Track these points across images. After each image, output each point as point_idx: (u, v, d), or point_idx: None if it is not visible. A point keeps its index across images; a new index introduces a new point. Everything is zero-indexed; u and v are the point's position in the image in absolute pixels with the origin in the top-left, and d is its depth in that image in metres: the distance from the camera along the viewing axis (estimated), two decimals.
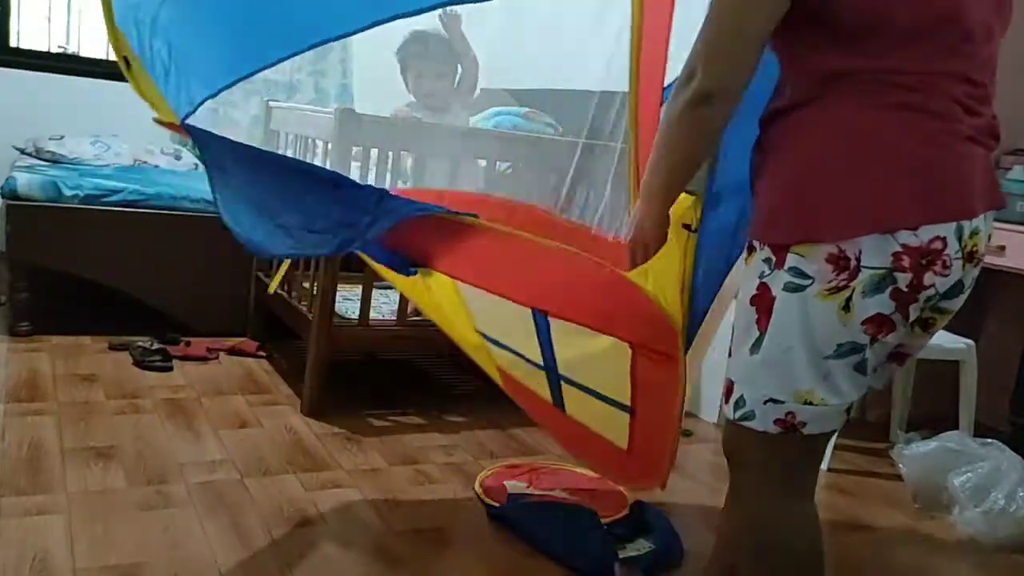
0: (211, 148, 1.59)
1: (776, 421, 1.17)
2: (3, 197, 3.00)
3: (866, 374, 1.16)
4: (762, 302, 1.15)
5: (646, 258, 1.37)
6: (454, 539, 1.95)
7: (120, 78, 1.68)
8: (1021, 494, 2.24)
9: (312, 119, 2.80)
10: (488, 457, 2.42)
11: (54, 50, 4.21)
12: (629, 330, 1.74)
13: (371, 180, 2.63)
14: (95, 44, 4.32)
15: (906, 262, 1.08)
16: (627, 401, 1.83)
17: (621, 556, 1.87)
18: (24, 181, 2.98)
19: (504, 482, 2.23)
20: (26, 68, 3.99)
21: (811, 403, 1.15)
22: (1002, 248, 2.62)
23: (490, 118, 3.05)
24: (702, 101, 1.14)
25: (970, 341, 2.72)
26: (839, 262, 1.09)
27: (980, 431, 2.65)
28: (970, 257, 1.14)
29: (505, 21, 4.56)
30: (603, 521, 1.98)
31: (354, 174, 2.59)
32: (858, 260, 1.08)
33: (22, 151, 3.59)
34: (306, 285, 2.77)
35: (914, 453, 2.46)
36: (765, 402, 1.16)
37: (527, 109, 3.09)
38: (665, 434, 1.81)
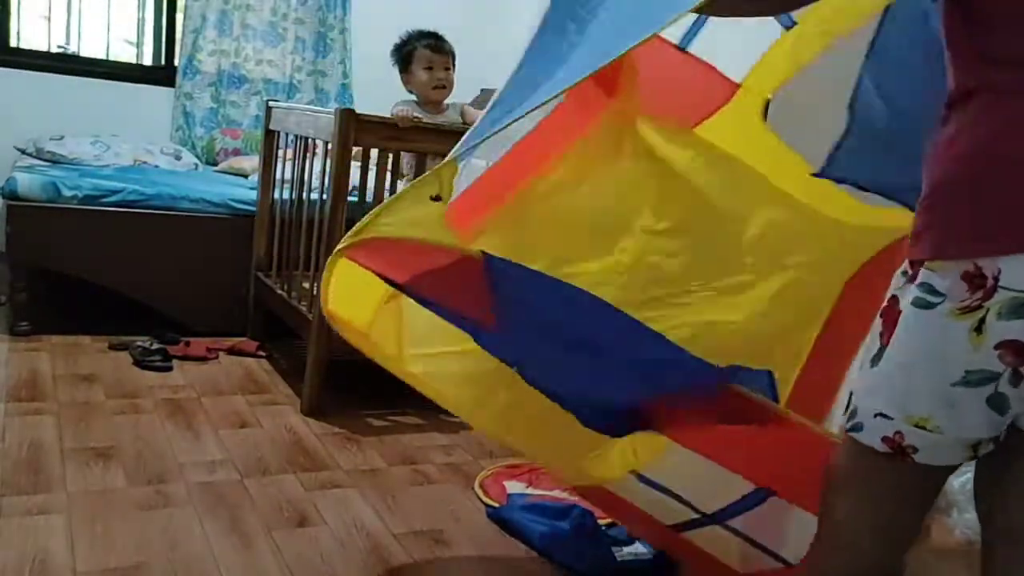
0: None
1: (884, 439, 1.08)
2: (3, 197, 3.01)
3: (1003, 414, 1.02)
4: (889, 315, 1.08)
5: None
6: (453, 539, 1.95)
7: (121, 78, 1.67)
8: None
9: (312, 119, 2.80)
10: (488, 457, 2.43)
11: (54, 50, 4.22)
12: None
13: (371, 180, 2.64)
14: (95, 44, 4.33)
15: None
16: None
17: (619, 559, 1.87)
18: (24, 181, 2.98)
19: (504, 482, 2.23)
20: (26, 68, 3.99)
21: (924, 428, 1.05)
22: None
23: None
24: None
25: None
26: (974, 280, 0.99)
27: None
28: None
29: (507, 21, 4.57)
30: (601, 523, 1.98)
31: (354, 174, 2.60)
32: (996, 279, 0.98)
33: (22, 151, 3.59)
34: (306, 285, 2.77)
35: None
36: (875, 415, 1.08)
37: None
38: None
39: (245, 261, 3.18)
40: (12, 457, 2.08)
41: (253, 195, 3.25)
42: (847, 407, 1.14)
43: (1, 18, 3.99)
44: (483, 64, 3.18)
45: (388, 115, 2.73)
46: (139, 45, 4.50)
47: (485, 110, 1.43)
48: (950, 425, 1.04)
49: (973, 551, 2.19)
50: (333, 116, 2.51)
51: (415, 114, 2.69)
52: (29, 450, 2.13)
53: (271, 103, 3.23)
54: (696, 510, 1.62)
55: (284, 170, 3.06)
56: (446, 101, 3.02)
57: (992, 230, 0.99)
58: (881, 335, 1.09)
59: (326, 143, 2.60)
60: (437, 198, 1.47)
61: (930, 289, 1.03)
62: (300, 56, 4.56)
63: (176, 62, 4.35)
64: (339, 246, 1.55)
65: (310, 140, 2.85)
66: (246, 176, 3.76)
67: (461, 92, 3.18)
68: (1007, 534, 1.15)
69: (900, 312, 1.06)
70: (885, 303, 1.10)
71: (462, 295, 1.55)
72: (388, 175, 2.63)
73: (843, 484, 1.16)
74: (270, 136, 3.20)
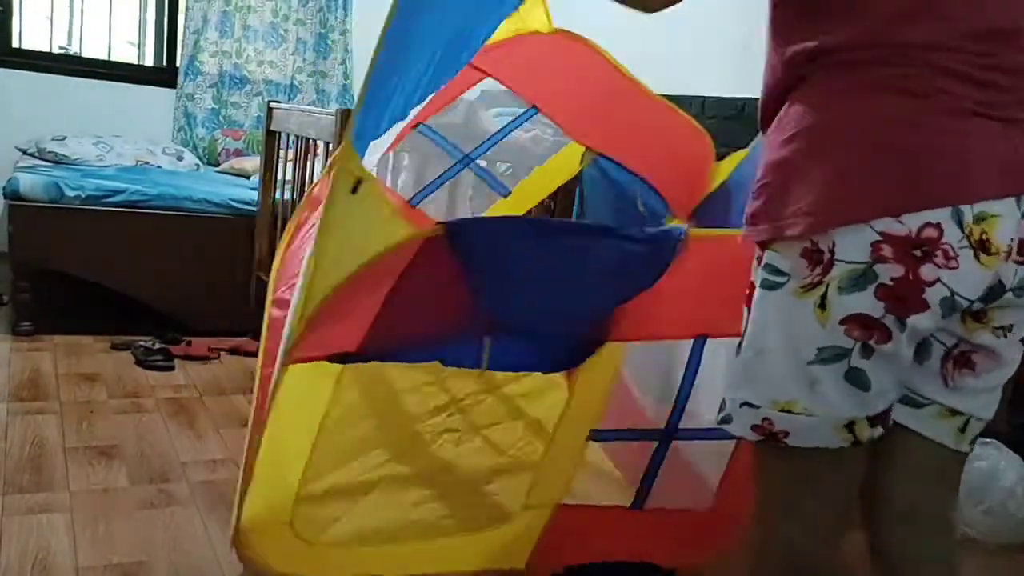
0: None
1: (753, 427, 1.07)
2: (5, 197, 3.01)
3: (867, 389, 1.02)
4: (749, 301, 1.09)
5: None
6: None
7: (122, 79, 1.67)
8: (1020, 494, 2.25)
9: (313, 120, 2.81)
10: None
11: (56, 50, 4.23)
12: None
13: None
14: (97, 45, 4.34)
15: (888, 252, 0.96)
16: None
17: None
18: (26, 181, 2.99)
19: None
20: (28, 68, 4.00)
21: (791, 411, 1.03)
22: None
23: (491, 119, 3.06)
24: None
25: None
26: (813, 256, 1.00)
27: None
28: (982, 247, 0.97)
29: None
30: None
31: None
32: (832, 253, 0.98)
33: (24, 151, 3.60)
34: None
35: None
36: (741, 405, 1.07)
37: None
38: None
39: (247, 261, 3.19)
40: (15, 456, 2.09)
41: (254, 196, 3.26)
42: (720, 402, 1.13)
43: (3, 18, 4.00)
44: None
45: None
46: (141, 46, 4.51)
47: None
48: (816, 406, 1.02)
49: (973, 551, 2.20)
50: (334, 117, 2.52)
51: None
52: (32, 449, 2.14)
53: (272, 104, 3.24)
54: (651, 431, 1.73)
55: (285, 171, 3.07)
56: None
57: (819, 205, 0.99)
58: (744, 324, 1.09)
59: (327, 144, 2.61)
60: (357, 184, 1.29)
61: (774, 270, 1.03)
62: (301, 57, 4.57)
63: (178, 63, 4.36)
64: (282, 361, 1.37)
65: (311, 141, 2.85)
66: (247, 177, 3.77)
67: None
68: (905, 516, 1.16)
69: (754, 296, 1.06)
70: (747, 291, 1.09)
71: (434, 291, 1.46)
72: (388, 175, 2.64)
73: (757, 481, 1.14)
74: (271, 137, 3.21)
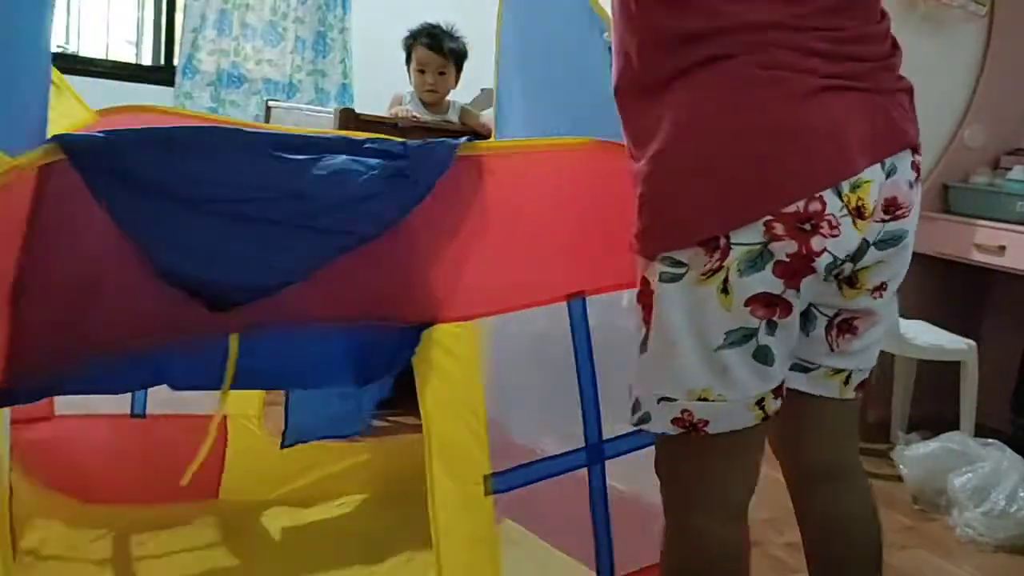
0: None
1: (674, 420, 1.07)
2: None
3: (771, 364, 1.05)
4: (644, 298, 1.09)
5: None
6: None
7: (120, 78, 1.65)
8: (1022, 495, 2.24)
9: (312, 119, 2.80)
10: None
11: (53, 49, 4.21)
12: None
13: None
14: (94, 43, 4.33)
15: (780, 230, 0.99)
16: None
17: None
18: None
19: None
20: None
21: (707, 399, 1.05)
22: (1002, 248, 2.63)
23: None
24: None
25: (971, 341, 2.72)
26: (709, 243, 1.01)
27: (981, 432, 2.65)
28: (858, 212, 1.01)
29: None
30: None
31: None
32: (727, 238, 1.00)
33: None
34: None
35: (914, 454, 2.46)
36: (659, 401, 1.08)
37: None
38: None
39: None
40: None
41: None
42: (631, 405, 1.12)
43: None
44: (483, 65, 3.17)
45: (391, 112, 2.73)
46: (138, 44, 4.50)
47: None
48: (729, 391, 1.05)
49: (975, 549, 2.20)
50: (333, 115, 2.51)
51: (414, 111, 2.69)
52: None
53: (271, 103, 3.24)
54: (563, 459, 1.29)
55: None
56: (448, 99, 3.01)
57: (713, 213, 1.01)
58: (644, 320, 1.09)
59: None
60: None
61: (673, 262, 1.04)
62: (300, 56, 4.56)
63: (175, 61, 4.34)
64: None
65: None
66: None
67: (461, 92, 3.17)
68: (824, 475, 1.24)
69: (653, 292, 1.06)
70: (639, 287, 1.10)
71: (93, 255, 0.96)
72: None
73: (667, 478, 1.15)
74: None
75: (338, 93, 4.62)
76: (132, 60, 4.48)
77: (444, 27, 2.93)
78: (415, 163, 1.07)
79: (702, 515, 1.12)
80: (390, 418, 2.66)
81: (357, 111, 2.55)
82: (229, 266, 0.99)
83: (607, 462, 1.26)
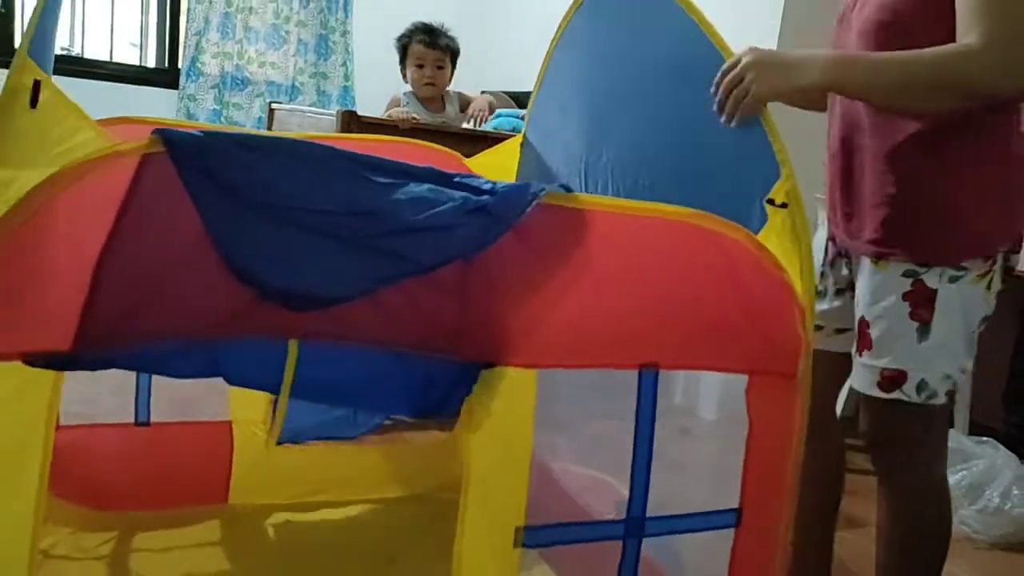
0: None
1: (947, 393, 1.37)
2: None
3: None
4: (917, 296, 1.33)
5: (753, 102, 1.25)
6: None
7: (124, 80, 1.66)
8: (1016, 492, 2.26)
9: (314, 121, 2.83)
10: None
11: (58, 52, 4.24)
12: (748, 347, 1.18)
13: None
14: (99, 46, 4.36)
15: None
16: (734, 501, 1.21)
17: None
18: None
19: None
20: None
21: (964, 371, 1.37)
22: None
23: (490, 120, 3.08)
24: (999, 89, 1.24)
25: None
26: (988, 255, 1.34)
27: (975, 430, 2.67)
28: None
29: (507, 23, 4.61)
30: None
31: None
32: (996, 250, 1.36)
33: None
34: None
35: None
36: (944, 377, 1.35)
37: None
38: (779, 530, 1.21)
39: None
40: None
41: None
42: (895, 383, 1.36)
43: (5, 20, 4.02)
44: (483, 66, 3.21)
45: (388, 114, 2.75)
46: (143, 47, 4.53)
47: None
48: (970, 363, 1.41)
49: (969, 547, 2.21)
50: (335, 117, 2.54)
51: (413, 113, 2.71)
52: None
53: (274, 105, 3.26)
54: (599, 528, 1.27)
55: None
56: (448, 88, 3.05)
57: (1005, 234, 1.35)
58: (912, 315, 1.33)
59: None
60: (36, 92, 1.07)
61: (960, 267, 1.33)
62: (302, 58, 4.59)
63: (179, 64, 4.38)
64: None
65: None
66: None
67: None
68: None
69: (935, 291, 1.32)
70: (909, 287, 1.33)
71: (179, 242, 1.00)
72: None
73: (918, 439, 1.41)
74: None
75: (340, 95, 4.65)
76: (136, 63, 4.51)
77: (436, 25, 2.98)
78: (500, 200, 1.07)
79: (942, 467, 1.44)
80: (391, 416, 2.67)
81: (359, 113, 2.58)
82: (292, 272, 1.01)
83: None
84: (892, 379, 1.35)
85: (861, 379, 1.40)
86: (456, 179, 1.09)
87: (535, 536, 1.13)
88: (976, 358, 2.71)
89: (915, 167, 1.32)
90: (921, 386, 1.34)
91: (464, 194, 1.06)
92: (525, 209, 1.07)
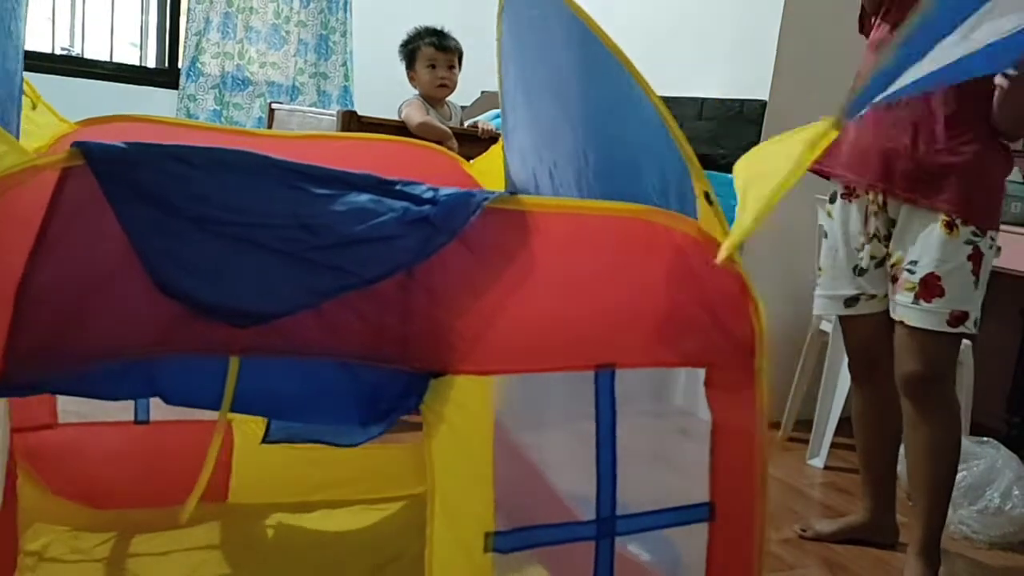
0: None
1: (975, 322, 1.91)
2: None
3: None
4: (975, 257, 1.88)
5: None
6: None
7: (124, 80, 1.66)
8: (1016, 493, 2.26)
9: (314, 121, 2.83)
10: None
11: (58, 52, 4.25)
12: (705, 340, 1.14)
13: None
14: (99, 46, 4.36)
15: None
16: (704, 494, 1.19)
17: None
18: None
19: None
20: (30, 70, 3.98)
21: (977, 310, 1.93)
22: (998, 249, 2.64)
23: (491, 120, 3.08)
24: None
25: (967, 340, 2.74)
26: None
27: (976, 430, 2.67)
28: None
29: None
30: None
31: None
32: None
33: None
34: None
35: None
36: (981, 313, 1.92)
37: None
38: (755, 524, 1.17)
39: None
40: None
41: None
42: (959, 321, 1.89)
43: None
44: (483, 67, 3.19)
45: (395, 116, 2.75)
46: (143, 47, 4.53)
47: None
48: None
49: (969, 547, 2.22)
50: (335, 118, 2.54)
51: (427, 114, 2.72)
52: None
53: (274, 105, 3.26)
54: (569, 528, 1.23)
55: None
56: (447, 99, 3.05)
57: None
58: (972, 271, 1.89)
59: None
60: None
61: (992, 237, 1.91)
62: (303, 58, 4.59)
63: (180, 64, 4.38)
64: None
65: None
66: None
67: (461, 94, 3.20)
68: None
69: (983, 253, 1.89)
70: (971, 250, 1.88)
71: (103, 259, 0.96)
72: None
73: (945, 371, 1.95)
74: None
75: (340, 95, 4.65)
76: (136, 63, 4.52)
77: (439, 28, 2.99)
78: (443, 210, 1.04)
79: (953, 388, 1.99)
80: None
81: (359, 113, 2.58)
82: (227, 288, 0.98)
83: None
84: (959, 318, 1.89)
85: (927, 320, 1.89)
86: (397, 187, 1.07)
87: (505, 541, 1.10)
88: (977, 359, 2.76)
89: (979, 159, 1.85)
90: (975, 321, 1.91)
91: (405, 204, 1.04)
92: (468, 219, 1.04)
